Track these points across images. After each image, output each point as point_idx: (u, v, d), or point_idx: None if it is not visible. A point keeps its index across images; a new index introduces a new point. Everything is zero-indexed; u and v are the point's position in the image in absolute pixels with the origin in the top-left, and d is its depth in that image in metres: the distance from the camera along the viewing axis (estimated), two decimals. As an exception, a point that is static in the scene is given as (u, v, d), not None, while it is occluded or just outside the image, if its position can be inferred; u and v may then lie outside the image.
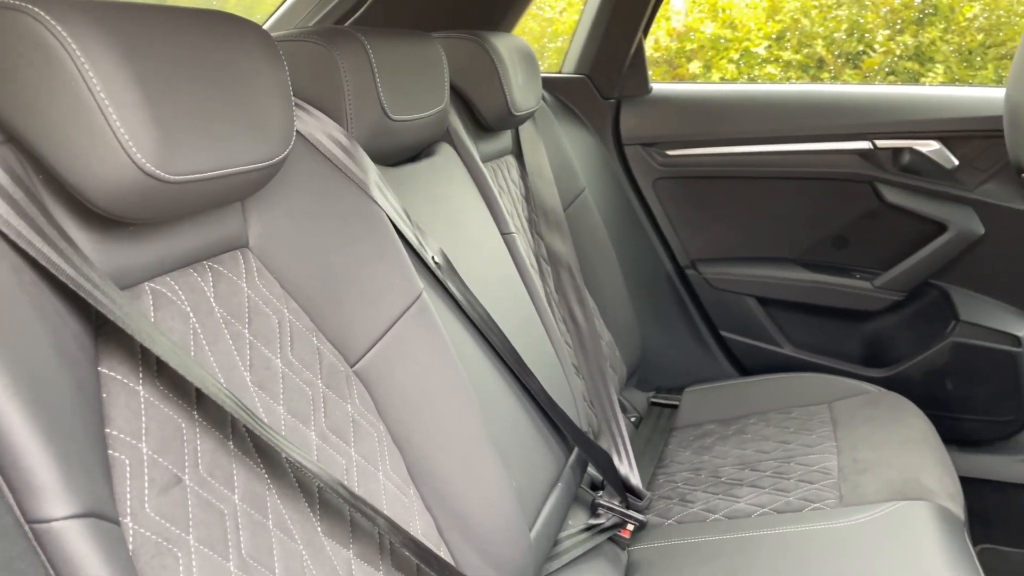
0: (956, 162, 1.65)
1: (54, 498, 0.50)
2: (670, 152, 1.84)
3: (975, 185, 1.65)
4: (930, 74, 4.44)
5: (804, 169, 1.75)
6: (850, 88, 2.48)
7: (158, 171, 0.60)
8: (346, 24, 1.51)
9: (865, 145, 1.69)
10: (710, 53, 4.56)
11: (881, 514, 1.16)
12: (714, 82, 4.38)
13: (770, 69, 4.52)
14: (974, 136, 1.63)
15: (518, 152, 1.54)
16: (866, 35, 4.57)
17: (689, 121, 1.84)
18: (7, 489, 0.49)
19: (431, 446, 0.92)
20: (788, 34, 4.58)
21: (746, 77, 4.49)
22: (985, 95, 1.66)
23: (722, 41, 4.57)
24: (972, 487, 1.33)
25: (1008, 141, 1.49)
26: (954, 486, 1.26)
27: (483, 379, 1.04)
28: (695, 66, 4.56)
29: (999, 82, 4.12)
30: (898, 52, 4.54)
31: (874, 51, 4.55)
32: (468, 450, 0.95)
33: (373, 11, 1.53)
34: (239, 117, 0.70)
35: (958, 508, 1.21)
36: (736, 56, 4.51)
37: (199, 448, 0.67)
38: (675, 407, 1.67)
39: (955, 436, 1.52)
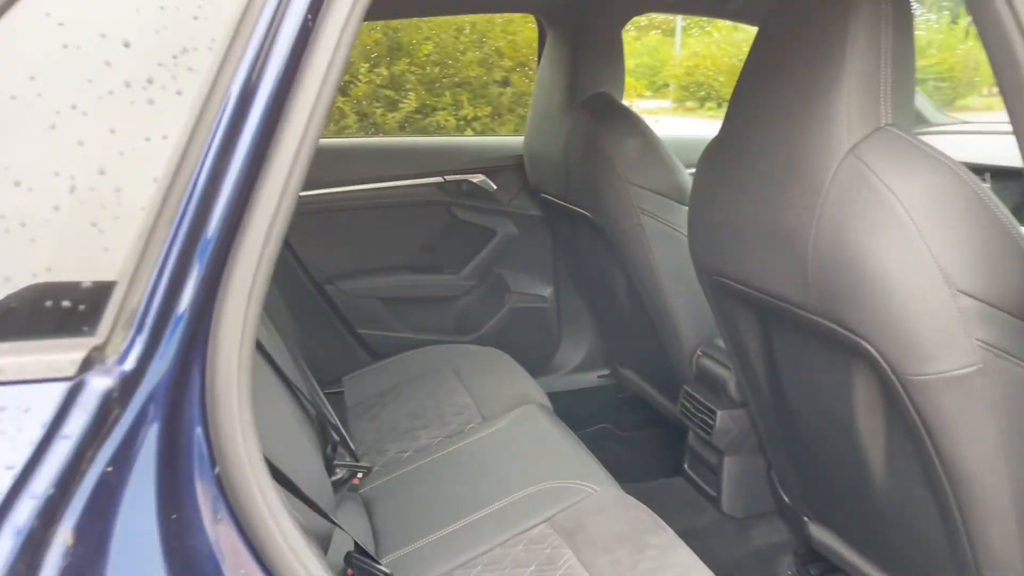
0: (495, 187, 2.41)
1: None
2: (301, 192, 2.24)
3: (509, 200, 2.43)
4: (405, 100, 5.27)
5: (401, 199, 2.33)
6: (427, 140, 3.17)
7: None
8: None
9: (439, 180, 2.35)
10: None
11: (511, 418, 1.71)
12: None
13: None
14: (504, 168, 2.40)
15: None
16: (351, 67, 5.17)
17: (313, 166, 2.26)
18: None
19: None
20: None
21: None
22: (509, 141, 2.44)
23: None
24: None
25: (528, 172, 2.29)
26: (540, 392, 1.95)
27: (264, 377, 1.37)
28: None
29: (454, 108, 5.23)
30: (378, 82, 5.31)
31: (360, 81, 5.26)
32: (283, 424, 1.28)
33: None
34: None
35: (548, 404, 1.92)
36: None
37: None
38: (341, 393, 2.11)
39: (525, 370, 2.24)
